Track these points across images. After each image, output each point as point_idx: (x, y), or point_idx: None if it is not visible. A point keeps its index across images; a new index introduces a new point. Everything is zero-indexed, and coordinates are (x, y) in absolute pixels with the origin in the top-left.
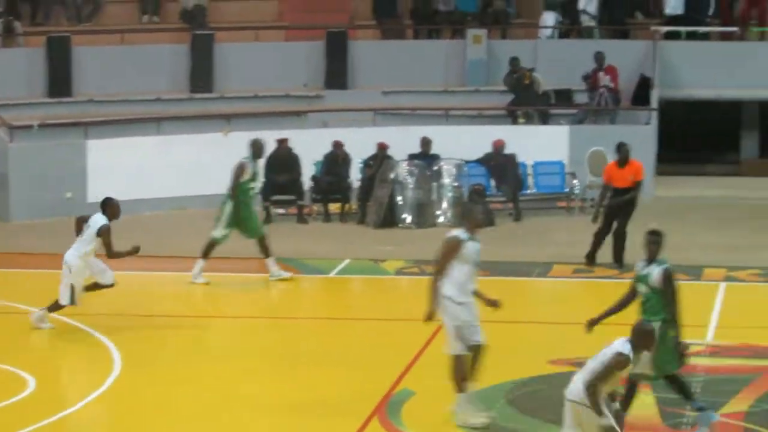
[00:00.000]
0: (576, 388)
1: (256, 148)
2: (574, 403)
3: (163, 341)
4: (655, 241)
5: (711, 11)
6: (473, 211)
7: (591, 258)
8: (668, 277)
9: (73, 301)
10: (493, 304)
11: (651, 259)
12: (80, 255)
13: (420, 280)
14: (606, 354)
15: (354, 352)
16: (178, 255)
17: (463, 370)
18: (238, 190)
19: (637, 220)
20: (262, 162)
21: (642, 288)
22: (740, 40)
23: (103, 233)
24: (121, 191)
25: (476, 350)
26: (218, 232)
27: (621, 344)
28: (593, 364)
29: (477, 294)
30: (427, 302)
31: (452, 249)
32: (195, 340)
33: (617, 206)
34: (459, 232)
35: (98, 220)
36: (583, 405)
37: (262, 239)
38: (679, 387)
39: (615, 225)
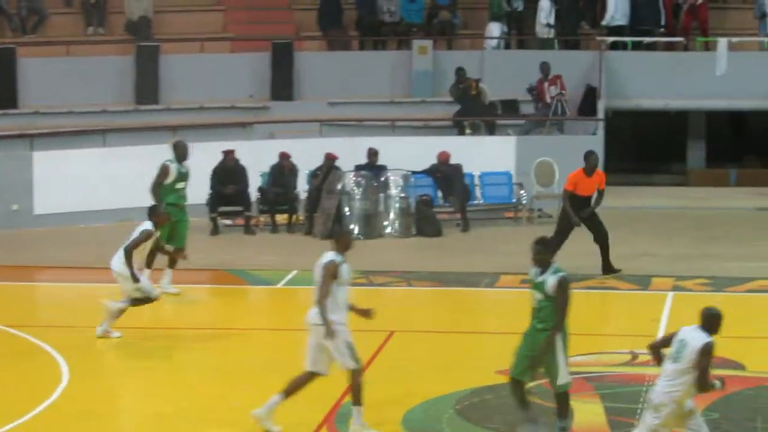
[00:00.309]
0: (659, 392)
1: (179, 150)
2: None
3: (111, 353)
4: (536, 250)
5: (663, 21)
6: (344, 234)
7: None
8: (562, 286)
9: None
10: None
11: (542, 268)
12: (123, 261)
13: (368, 291)
14: (692, 352)
15: (302, 363)
16: None
17: (361, 382)
18: (166, 192)
19: (578, 230)
20: (188, 163)
21: (537, 295)
22: (685, 51)
23: (142, 234)
24: (68, 203)
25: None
26: None
27: (698, 336)
28: (679, 366)
29: (351, 308)
30: (326, 324)
31: (333, 273)
32: (142, 351)
33: (583, 220)
34: (333, 256)
35: (145, 225)
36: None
37: (181, 250)
38: (520, 397)
39: (594, 236)
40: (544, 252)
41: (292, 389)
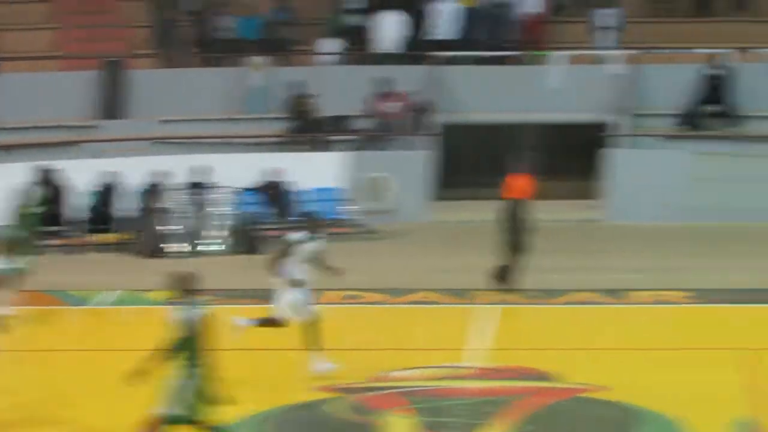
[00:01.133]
0: None
1: (42, 176)
2: None
3: None
4: (169, 285)
5: (516, 35)
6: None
7: None
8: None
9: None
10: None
11: (185, 301)
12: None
13: None
14: None
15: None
16: None
17: None
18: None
19: (416, 244)
20: (40, 190)
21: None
22: (519, 65)
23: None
24: None
25: None
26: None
27: None
28: None
29: None
30: None
31: None
32: None
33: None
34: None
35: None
36: None
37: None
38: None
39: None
40: (175, 284)
41: None
